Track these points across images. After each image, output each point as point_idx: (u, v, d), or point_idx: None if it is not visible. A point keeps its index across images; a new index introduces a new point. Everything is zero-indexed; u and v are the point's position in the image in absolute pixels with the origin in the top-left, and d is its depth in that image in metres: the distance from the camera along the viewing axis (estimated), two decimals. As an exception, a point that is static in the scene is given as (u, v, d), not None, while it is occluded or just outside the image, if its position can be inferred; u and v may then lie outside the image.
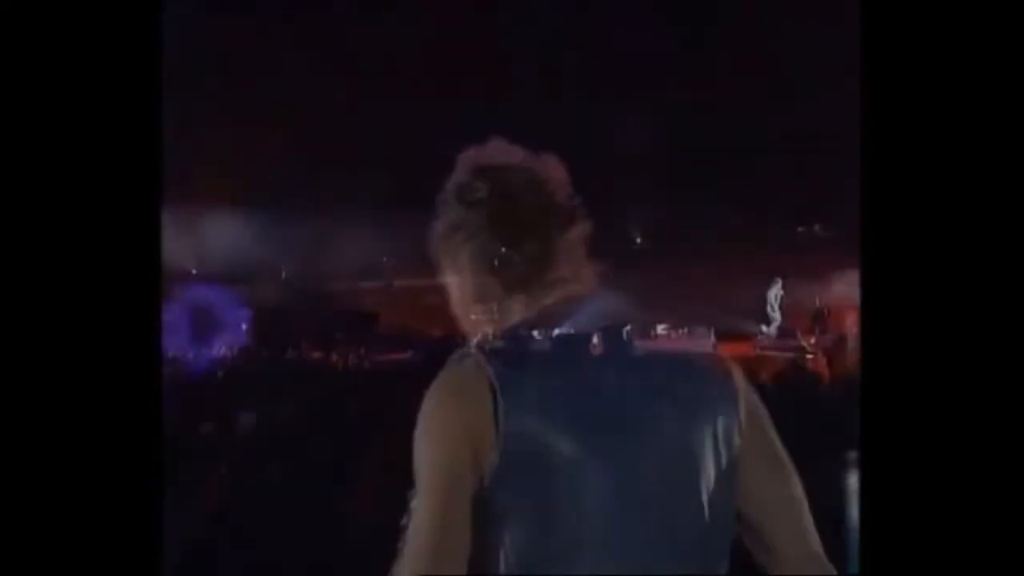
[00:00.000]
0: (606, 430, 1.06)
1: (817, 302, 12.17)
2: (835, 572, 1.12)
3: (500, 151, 1.22)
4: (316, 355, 9.94)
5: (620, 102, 17.36)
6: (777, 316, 9.79)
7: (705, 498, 1.07)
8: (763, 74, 15.53)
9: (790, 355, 8.38)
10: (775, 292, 9.97)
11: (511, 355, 1.15)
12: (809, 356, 8.10)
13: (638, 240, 21.79)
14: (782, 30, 14.09)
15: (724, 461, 1.09)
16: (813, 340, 9.19)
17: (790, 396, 5.10)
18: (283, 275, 20.98)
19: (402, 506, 1.00)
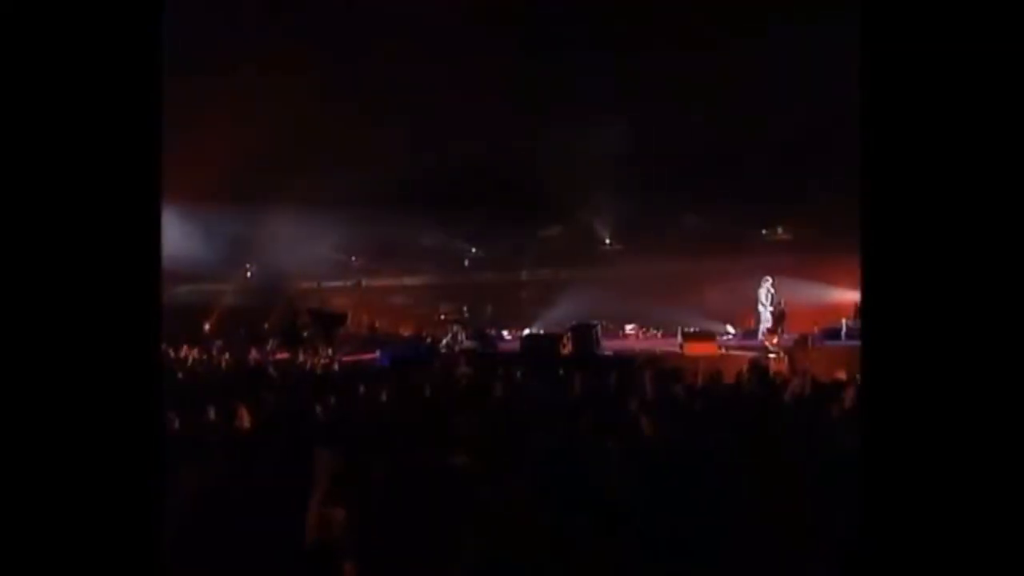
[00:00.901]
0: None
1: (780, 303, 12.47)
2: None
3: None
4: (282, 355, 9.76)
5: (593, 106, 17.50)
6: (768, 314, 9.93)
7: None
8: (732, 80, 15.84)
9: (753, 354, 8.57)
10: (766, 289, 10.13)
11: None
12: (771, 355, 8.28)
13: (607, 242, 22.01)
14: (747, 35, 14.38)
15: None
16: (776, 340, 9.43)
17: (755, 394, 5.24)
18: (248, 274, 20.56)
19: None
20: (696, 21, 14.78)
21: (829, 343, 10.17)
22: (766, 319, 9.79)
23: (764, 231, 20.35)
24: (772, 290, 10.03)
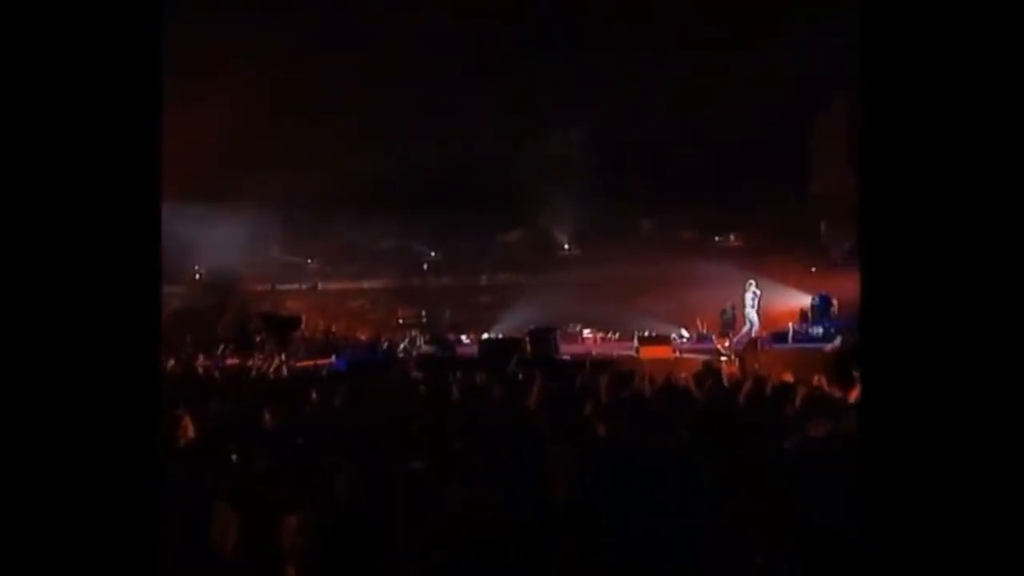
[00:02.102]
0: None
1: (730, 308, 12.83)
2: None
3: None
4: (233, 361, 9.46)
5: (554, 112, 17.68)
6: (755, 317, 10.14)
7: None
8: (685, 88, 16.26)
9: (706, 358, 8.79)
10: (752, 293, 10.33)
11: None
12: (723, 358, 8.51)
13: (566, 246, 22.24)
14: (706, 40, 14.79)
15: None
16: (727, 344, 9.70)
17: (708, 396, 5.37)
18: (198, 275, 19.85)
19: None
20: (657, 32, 15.15)
21: (777, 346, 10.52)
22: (752, 321, 9.99)
23: (717, 238, 20.97)
24: (757, 292, 10.24)
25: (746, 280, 11.09)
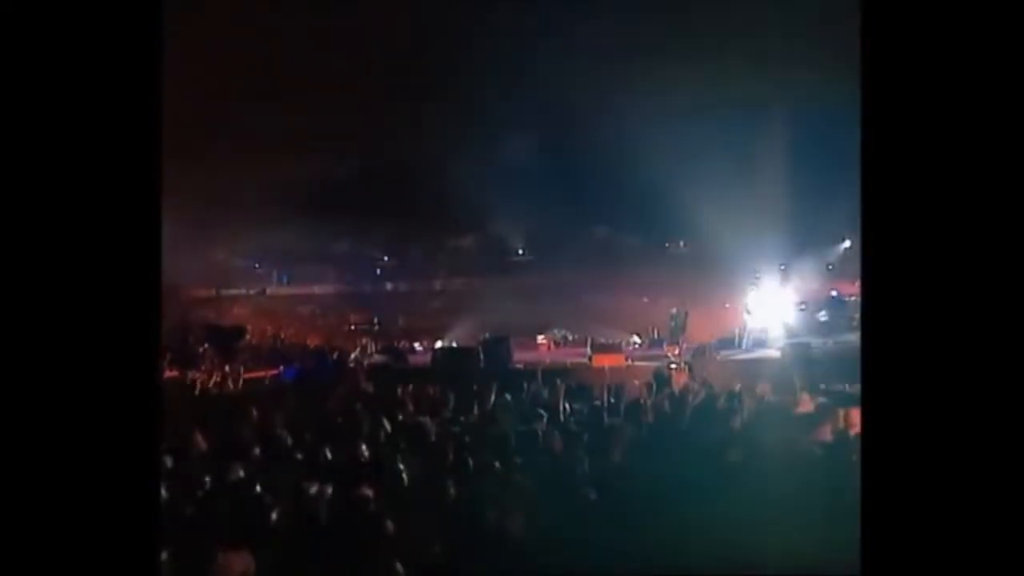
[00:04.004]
0: None
1: (681, 314, 13.08)
2: None
3: None
4: (171, 374, 9.00)
5: (507, 117, 17.68)
6: (751, 319, 10.32)
7: None
8: (641, 96, 16.57)
9: (656, 364, 8.95)
10: (751, 298, 10.49)
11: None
12: (673, 366, 8.68)
13: (520, 251, 22.29)
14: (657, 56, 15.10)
15: None
16: (677, 351, 9.90)
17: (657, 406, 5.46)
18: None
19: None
20: (616, 38, 15.37)
21: (724, 352, 10.81)
22: (752, 326, 10.15)
23: (667, 244, 21.43)
24: (753, 298, 10.40)
25: (696, 286, 11.34)
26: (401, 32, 15.14)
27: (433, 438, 3.54)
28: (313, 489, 2.79)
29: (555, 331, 15.66)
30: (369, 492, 2.62)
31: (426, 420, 3.90)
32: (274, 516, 2.65)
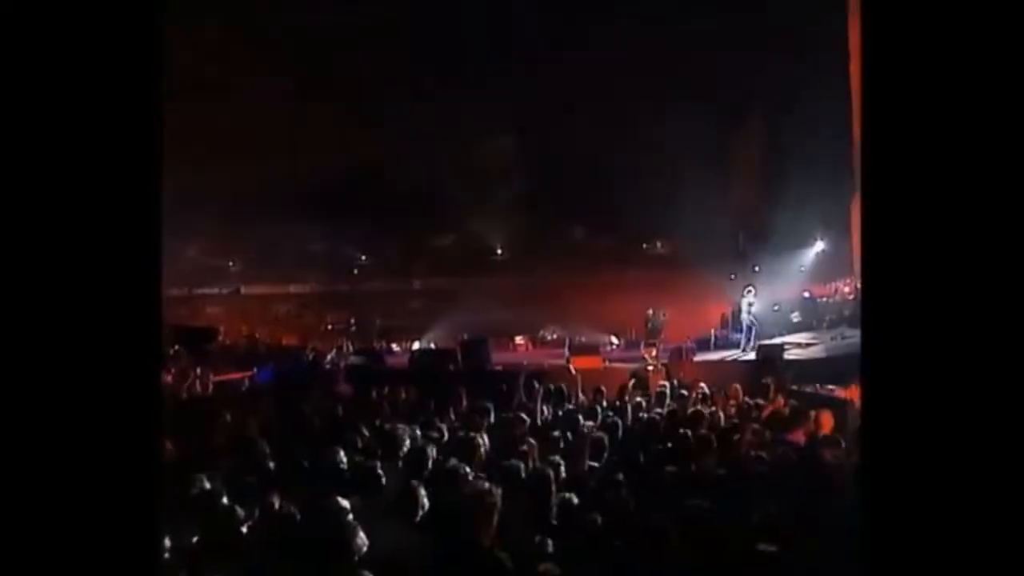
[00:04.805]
0: None
1: (658, 315, 13.17)
2: None
3: None
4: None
5: (488, 117, 17.66)
6: (751, 320, 10.34)
7: None
8: (615, 100, 16.69)
9: (634, 366, 9.01)
10: (748, 300, 10.51)
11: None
12: (650, 368, 8.74)
13: (499, 251, 22.27)
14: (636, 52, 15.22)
15: None
16: (654, 353, 9.98)
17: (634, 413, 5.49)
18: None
19: None
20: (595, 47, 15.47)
21: (701, 353, 10.93)
22: (748, 327, 10.15)
23: (644, 245, 21.60)
24: (754, 300, 10.39)
25: (672, 287, 11.43)
26: (377, 32, 15.05)
27: (407, 447, 3.50)
28: (277, 503, 2.74)
29: (544, 332, 15.63)
30: (344, 503, 2.58)
31: (402, 428, 3.84)
32: (244, 528, 2.61)
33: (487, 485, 2.26)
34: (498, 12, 15.06)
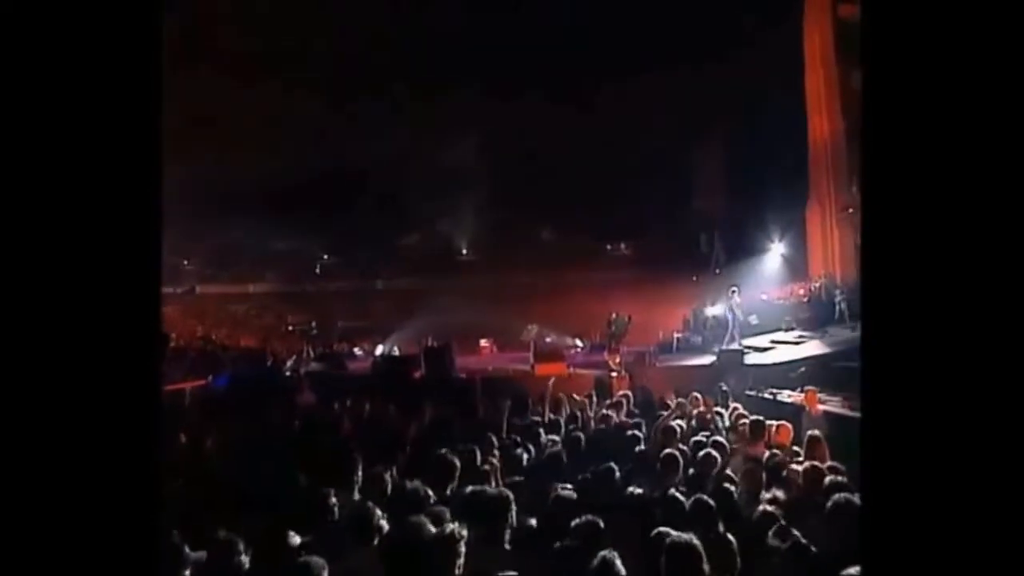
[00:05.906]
0: None
1: (621, 319, 13.27)
2: None
3: None
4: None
5: (456, 117, 17.55)
6: (740, 318, 10.52)
7: None
8: (589, 105, 16.82)
9: (598, 372, 9.05)
10: (735, 300, 10.70)
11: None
12: (613, 374, 8.79)
13: (464, 252, 22.14)
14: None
15: None
16: (618, 359, 10.03)
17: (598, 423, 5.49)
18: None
19: None
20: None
21: (663, 357, 11.07)
22: (736, 327, 10.36)
23: (609, 247, 21.80)
24: (739, 300, 10.65)
25: (636, 289, 11.54)
26: (349, 34, 14.75)
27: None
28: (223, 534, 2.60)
29: (530, 328, 15.36)
30: (296, 537, 2.48)
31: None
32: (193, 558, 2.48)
33: (453, 526, 2.19)
34: (470, 8, 14.96)
